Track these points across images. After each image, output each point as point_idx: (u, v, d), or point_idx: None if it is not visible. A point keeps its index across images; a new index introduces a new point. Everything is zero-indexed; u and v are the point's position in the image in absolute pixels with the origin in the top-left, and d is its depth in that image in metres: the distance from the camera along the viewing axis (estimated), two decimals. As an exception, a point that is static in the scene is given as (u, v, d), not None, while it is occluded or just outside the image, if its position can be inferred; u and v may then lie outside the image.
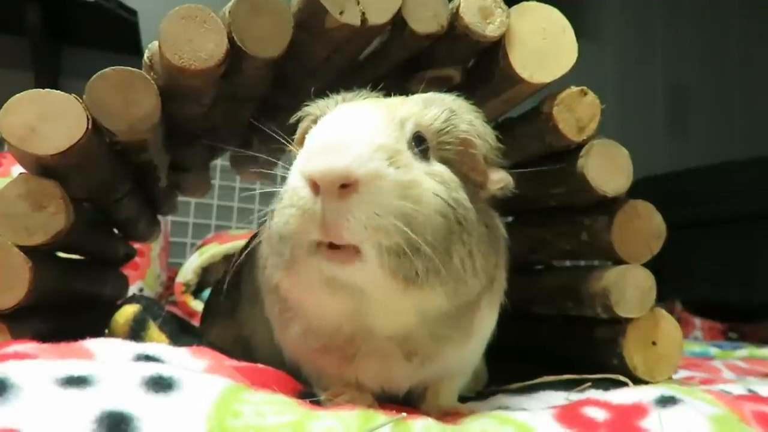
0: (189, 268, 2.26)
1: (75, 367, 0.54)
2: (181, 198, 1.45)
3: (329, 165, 0.56)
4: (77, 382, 0.52)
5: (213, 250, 2.28)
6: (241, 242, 1.44)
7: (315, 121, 0.71)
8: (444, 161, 0.67)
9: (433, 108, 0.68)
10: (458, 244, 0.63)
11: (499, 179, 0.71)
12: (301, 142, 0.71)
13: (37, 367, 0.54)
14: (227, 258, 2.18)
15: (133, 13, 2.42)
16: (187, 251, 2.71)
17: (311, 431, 0.52)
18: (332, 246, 0.58)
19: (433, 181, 0.63)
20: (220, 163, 2.60)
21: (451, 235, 0.62)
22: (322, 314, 0.66)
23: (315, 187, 0.57)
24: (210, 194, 1.67)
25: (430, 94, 0.71)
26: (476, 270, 0.65)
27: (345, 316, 0.64)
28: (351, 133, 0.60)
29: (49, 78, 2.40)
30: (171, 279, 2.37)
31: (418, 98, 0.70)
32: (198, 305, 2.13)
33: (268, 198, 0.67)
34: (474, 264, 0.65)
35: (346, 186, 0.56)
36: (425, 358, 0.68)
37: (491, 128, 0.72)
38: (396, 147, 0.61)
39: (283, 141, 0.72)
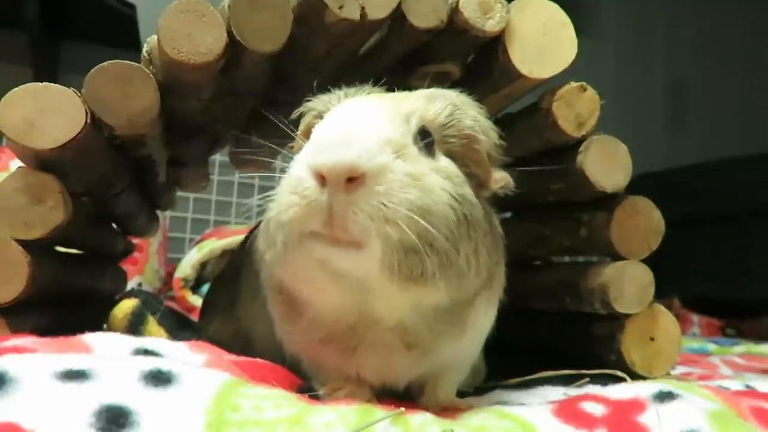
0: (188, 264, 2.26)
1: (74, 361, 0.54)
2: (179, 193, 1.44)
3: (337, 158, 0.56)
4: (76, 376, 0.52)
5: (212, 245, 2.28)
6: (240, 237, 1.44)
7: (318, 116, 0.71)
8: (448, 155, 0.67)
9: (436, 103, 0.68)
10: (465, 240, 0.63)
11: (501, 178, 0.71)
12: (304, 137, 0.71)
13: (36, 360, 0.54)
14: (226, 253, 2.18)
15: (132, 7, 2.41)
16: (186, 246, 2.71)
17: (310, 425, 0.52)
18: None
19: (439, 176, 0.63)
20: (218, 158, 2.60)
21: (459, 229, 0.62)
22: (324, 304, 0.66)
23: (322, 180, 0.57)
24: (209, 189, 1.67)
25: (433, 90, 0.71)
26: (479, 267, 0.66)
27: (347, 306, 0.64)
28: (358, 127, 0.60)
29: (47, 73, 2.39)
30: (170, 274, 2.37)
31: (422, 93, 0.70)
32: (197, 300, 2.13)
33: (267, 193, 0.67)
34: (478, 261, 0.65)
35: (352, 179, 0.56)
36: (424, 351, 0.68)
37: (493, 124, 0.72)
38: (402, 141, 0.61)
39: (284, 135, 0.72)
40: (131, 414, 0.49)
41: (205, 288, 2.12)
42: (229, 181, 2.88)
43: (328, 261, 0.59)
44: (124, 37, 2.36)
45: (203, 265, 2.24)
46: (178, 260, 2.38)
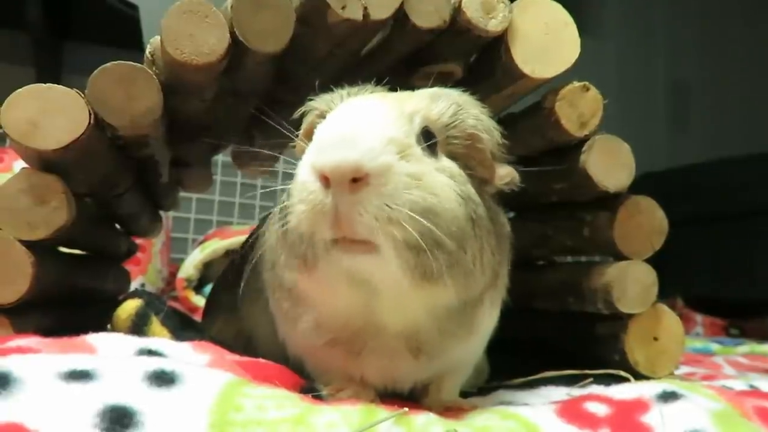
0: (190, 264, 2.26)
1: (78, 362, 0.55)
2: (182, 194, 1.44)
3: (340, 158, 0.56)
4: (80, 376, 0.52)
5: (215, 245, 2.28)
6: (243, 237, 1.45)
7: (320, 116, 0.71)
8: (451, 156, 0.67)
9: (440, 102, 0.68)
10: (471, 239, 0.63)
11: (506, 174, 0.71)
12: (306, 137, 0.71)
13: (39, 361, 0.55)
14: (229, 253, 2.18)
15: (134, 8, 2.41)
16: (189, 247, 2.71)
17: (313, 425, 0.52)
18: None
19: (443, 176, 0.63)
20: (221, 158, 2.60)
21: (466, 228, 0.62)
22: (334, 309, 0.66)
23: (326, 181, 0.57)
24: (211, 190, 1.67)
25: (436, 89, 0.71)
26: (484, 266, 0.66)
27: (355, 310, 0.64)
28: (361, 126, 0.60)
29: (50, 74, 2.40)
30: (172, 274, 2.37)
31: (425, 93, 0.70)
32: (200, 301, 2.13)
33: (269, 193, 0.67)
34: (483, 259, 0.65)
35: (357, 180, 0.56)
36: (431, 355, 0.68)
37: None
38: (406, 141, 0.61)
39: (286, 135, 0.71)
40: (135, 414, 0.49)
41: (208, 288, 2.12)
42: (232, 182, 2.88)
43: (353, 269, 0.60)
44: (126, 38, 2.36)
45: (206, 266, 2.25)
46: (181, 260, 2.38)
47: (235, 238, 2.25)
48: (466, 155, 0.68)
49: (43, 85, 0.74)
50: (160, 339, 0.75)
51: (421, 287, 0.60)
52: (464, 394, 0.81)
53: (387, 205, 0.56)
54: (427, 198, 0.59)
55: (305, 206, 0.58)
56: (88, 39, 2.56)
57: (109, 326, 0.92)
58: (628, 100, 3.64)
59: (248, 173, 1.42)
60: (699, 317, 2.75)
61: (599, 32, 3.76)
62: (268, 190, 0.68)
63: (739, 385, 0.91)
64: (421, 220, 0.57)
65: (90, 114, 0.74)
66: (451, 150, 0.68)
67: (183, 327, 0.93)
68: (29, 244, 0.74)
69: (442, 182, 0.62)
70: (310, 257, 0.61)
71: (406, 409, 0.58)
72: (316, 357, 0.72)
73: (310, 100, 0.75)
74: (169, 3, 0.75)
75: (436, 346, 0.68)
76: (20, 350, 0.60)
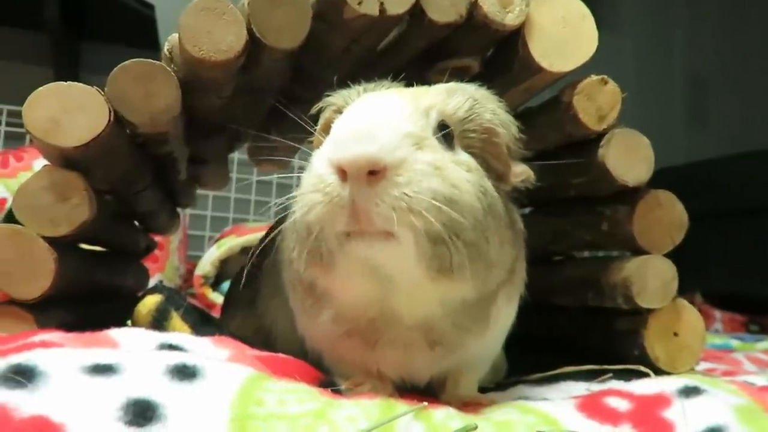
0: (207, 261, 2.28)
1: (101, 356, 0.55)
2: (199, 191, 1.46)
3: (358, 152, 0.56)
4: (103, 370, 0.53)
5: (231, 242, 2.30)
6: (259, 234, 1.45)
7: (337, 111, 0.71)
8: (468, 150, 0.67)
9: (456, 97, 0.68)
10: (490, 232, 0.62)
11: (521, 172, 0.70)
12: (324, 132, 0.71)
13: (63, 355, 0.55)
14: (245, 250, 2.19)
15: (151, 7, 2.43)
16: (206, 244, 2.73)
17: (332, 420, 0.52)
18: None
19: (461, 168, 0.63)
20: (237, 156, 2.61)
21: (485, 221, 0.62)
22: (352, 299, 0.66)
23: (343, 174, 0.57)
24: (228, 187, 1.68)
25: (453, 84, 0.71)
26: (502, 261, 0.65)
27: (371, 300, 0.64)
28: (378, 120, 0.60)
29: (68, 73, 2.42)
30: (190, 272, 2.39)
31: (441, 87, 0.70)
32: (217, 297, 2.15)
33: (285, 191, 0.68)
34: (501, 254, 0.65)
35: (374, 173, 0.56)
36: (448, 348, 0.68)
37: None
38: (422, 134, 0.61)
39: (303, 131, 0.72)
40: (158, 407, 0.49)
41: (225, 285, 2.13)
42: (248, 179, 2.89)
43: (369, 258, 0.59)
44: (143, 37, 2.39)
45: (223, 263, 2.26)
46: (198, 257, 2.40)
47: (250, 235, 2.27)
48: (483, 150, 0.68)
49: (64, 83, 0.75)
50: (180, 334, 0.75)
51: (437, 281, 0.60)
52: (482, 390, 0.81)
53: (406, 194, 0.56)
54: (448, 187, 0.59)
55: (321, 197, 0.59)
56: (105, 39, 2.59)
57: (129, 322, 0.93)
58: (646, 95, 3.60)
59: (264, 170, 1.43)
60: (718, 313, 2.72)
61: (617, 26, 3.73)
62: (286, 198, 0.67)
63: (761, 381, 0.90)
64: (444, 207, 0.57)
65: (110, 112, 0.75)
66: (467, 144, 0.67)
67: (203, 323, 0.94)
68: (52, 241, 0.75)
69: (460, 174, 0.62)
70: (326, 254, 0.61)
71: (426, 403, 0.58)
72: (334, 349, 0.72)
73: (327, 96, 0.75)
74: (186, 2, 0.76)
75: (452, 340, 0.68)
76: (44, 345, 0.61)
